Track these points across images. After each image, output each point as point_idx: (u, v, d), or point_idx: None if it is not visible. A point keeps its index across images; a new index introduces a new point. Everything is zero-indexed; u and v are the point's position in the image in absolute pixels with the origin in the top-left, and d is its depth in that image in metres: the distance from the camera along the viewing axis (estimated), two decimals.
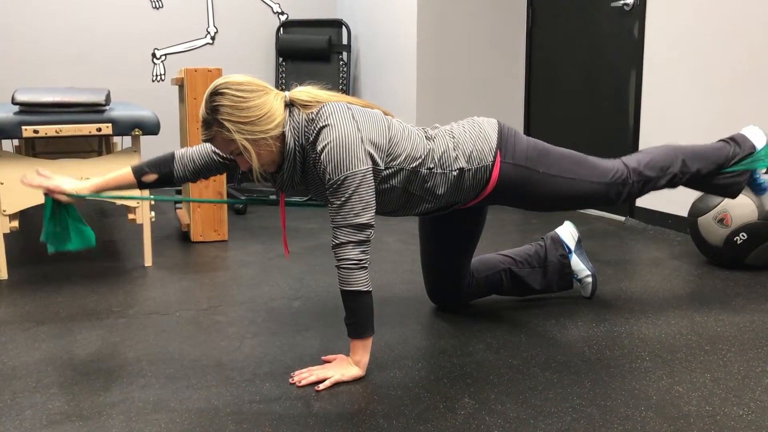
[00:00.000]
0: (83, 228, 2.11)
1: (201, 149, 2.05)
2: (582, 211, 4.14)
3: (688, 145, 2.18)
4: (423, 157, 1.94)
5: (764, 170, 2.13)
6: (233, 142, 1.80)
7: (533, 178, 2.04)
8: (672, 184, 2.19)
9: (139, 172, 2.06)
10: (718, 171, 2.19)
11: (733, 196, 2.25)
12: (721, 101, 3.24)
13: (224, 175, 3.35)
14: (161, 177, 2.06)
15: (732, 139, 2.21)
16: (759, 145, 2.19)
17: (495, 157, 2.00)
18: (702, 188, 2.28)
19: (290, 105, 1.86)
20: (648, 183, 2.14)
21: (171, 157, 2.06)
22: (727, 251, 2.78)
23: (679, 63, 3.44)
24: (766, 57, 3.02)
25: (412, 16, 4.41)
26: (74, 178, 2.11)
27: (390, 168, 1.90)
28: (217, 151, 2.03)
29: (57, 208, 2.06)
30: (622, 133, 3.87)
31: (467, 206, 2.11)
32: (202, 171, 2.06)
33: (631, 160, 2.16)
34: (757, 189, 2.21)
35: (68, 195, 2.04)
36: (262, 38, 5.26)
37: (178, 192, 4.29)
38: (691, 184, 2.23)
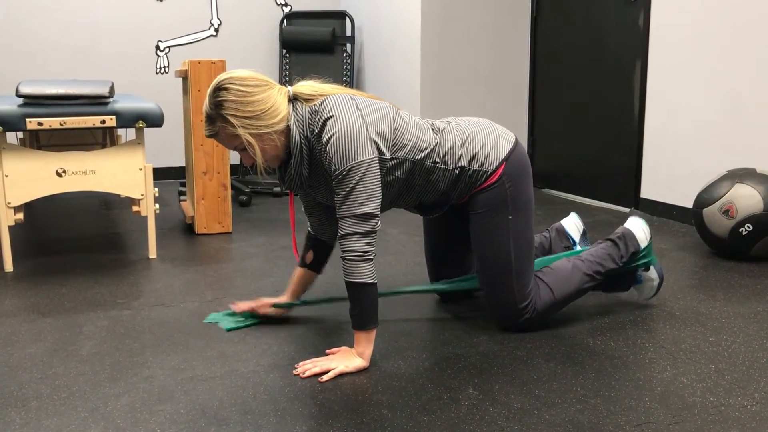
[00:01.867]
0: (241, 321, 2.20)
1: (308, 212, 2.10)
2: (586, 202, 4.13)
3: (586, 264, 2.12)
4: (429, 149, 1.94)
5: (644, 268, 2.21)
6: (237, 137, 1.80)
7: (501, 214, 1.99)
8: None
9: (302, 263, 2.15)
10: (611, 272, 2.16)
11: (624, 290, 2.26)
12: (726, 91, 3.23)
13: (228, 167, 3.35)
14: (318, 250, 2.13)
15: (621, 238, 2.18)
16: (643, 244, 2.18)
17: (498, 168, 1.99)
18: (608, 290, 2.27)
19: (293, 99, 1.86)
20: (547, 314, 2.07)
21: (309, 234, 2.14)
22: (732, 242, 2.77)
23: (684, 53, 3.42)
24: None
25: (415, 7, 4.40)
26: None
27: (395, 158, 1.89)
28: (313, 202, 2.07)
29: (251, 319, 2.18)
30: (627, 123, 3.86)
31: (458, 204, 2.10)
32: (324, 216, 2.09)
33: (538, 293, 2.06)
34: (634, 280, 2.24)
35: (276, 306, 2.15)
36: (266, 30, 5.25)
37: (182, 184, 4.30)
38: (599, 289, 2.22)
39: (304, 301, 2.19)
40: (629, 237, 2.19)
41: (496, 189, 1.99)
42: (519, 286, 2.00)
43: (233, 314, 2.20)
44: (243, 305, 2.17)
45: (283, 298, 2.17)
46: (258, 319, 2.16)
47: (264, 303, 2.15)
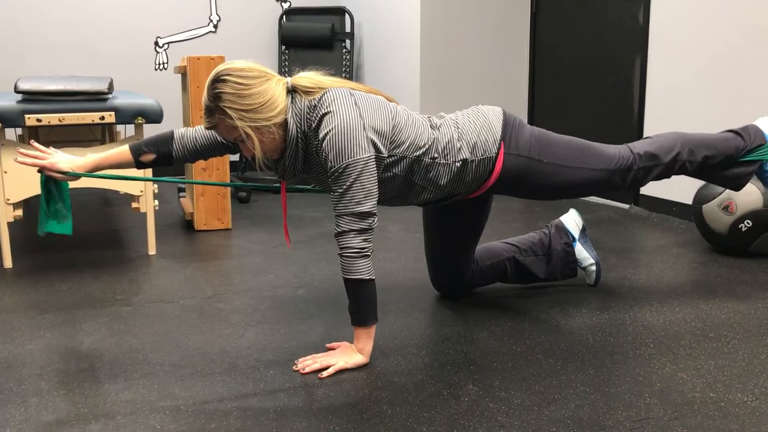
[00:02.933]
0: (66, 213, 2.06)
1: (203, 131, 2.03)
2: (586, 199, 4.13)
3: (698, 133, 2.15)
4: (427, 146, 1.93)
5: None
6: (236, 129, 1.80)
7: (537, 169, 2.03)
8: (678, 172, 2.17)
9: (137, 151, 2.03)
10: (726, 162, 2.15)
11: (738, 188, 2.22)
12: (726, 87, 3.22)
13: (228, 164, 3.35)
14: (159, 157, 2.04)
15: (743, 129, 2.16)
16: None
17: (499, 149, 1.99)
18: (708, 178, 2.25)
19: (292, 91, 1.85)
20: (653, 170, 2.13)
21: (170, 137, 2.04)
22: (731, 238, 2.77)
23: (683, 49, 3.41)
24: None
25: (415, 3, 4.39)
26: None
27: (393, 156, 1.89)
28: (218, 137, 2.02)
29: (54, 186, 2.03)
30: (627, 119, 3.86)
31: (470, 197, 2.10)
32: (203, 152, 2.03)
33: (636, 146, 2.15)
34: (766, 181, 2.18)
35: (64, 173, 2.02)
36: (265, 26, 5.24)
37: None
38: (697, 173, 2.21)
39: (96, 174, 2.04)
40: (754, 130, 2.14)
41: (512, 163, 2.00)
42: (603, 165, 2.06)
43: (50, 212, 2.03)
44: (30, 160, 1.98)
45: (80, 164, 2.02)
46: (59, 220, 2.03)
47: (56, 166, 1.99)
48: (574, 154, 2.07)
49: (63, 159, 2.03)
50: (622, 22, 3.84)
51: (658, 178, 2.15)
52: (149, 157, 2.03)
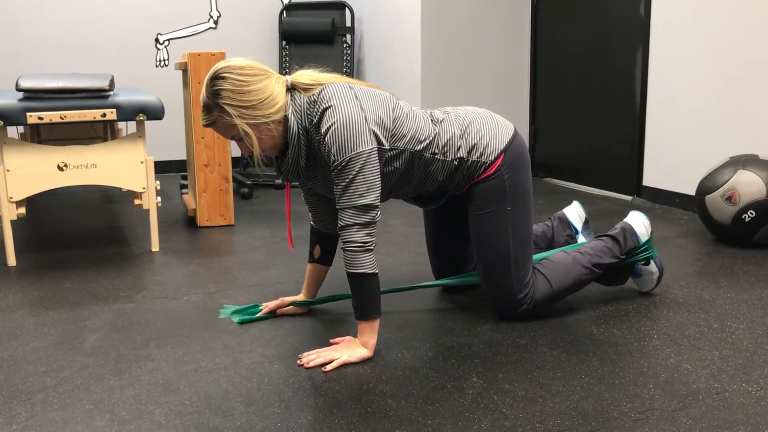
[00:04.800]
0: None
1: (308, 203, 2.09)
2: (588, 191, 4.12)
3: (586, 258, 2.12)
4: (428, 140, 1.93)
5: (644, 262, 2.21)
6: (234, 126, 1.79)
7: (499, 205, 1.98)
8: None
9: (311, 258, 2.13)
10: (607, 270, 2.17)
11: (621, 283, 2.25)
12: (728, 78, 3.21)
13: (230, 161, 3.35)
14: (323, 244, 2.11)
15: (620, 233, 2.18)
16: (643, 238, 2.18)
17: (496, 159, 1.98)
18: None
19: (292, 89, 1.85)
20: (543, 305, 2.06)
21: (314, 228, 2.12)
22: (735, 229, 2.76)
23: (685, 41, 3.40)
24: None
25: None
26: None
27: (394, 149, 1.88)
28: (311, 193, 2.06)
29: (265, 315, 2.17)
30: (629, 110, 3.85)
31: (456, 195, 2.09)
32: (329, 217, 2.08)
33: (535, 282, 2.05)
34: (634, 274, 2.25)
35: (296, 304, 2.15)
36: (266, 22, 5.24)
37: (183, 177, 4.29)
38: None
39: (321, 299, 2.19)
40: (629, 232, 2.18)
41: (494, 180, 1.98)
42: (517, 276, 2.00)
43: (248, 308, 2.19)
44: (270, 305, 2.15)
45: (301, 297, 2.17)
46: (271, 314, 2.17)
47: (285, 302, 2.15)
48: (524, 238, 2.00)
49: (289, 298, 2.17)
50: (623, 15, 3.83)
51: (535, 311, 2.08)
52: (318, 250, 2.12)
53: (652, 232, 2.22)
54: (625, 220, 2.23)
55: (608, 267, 2.14)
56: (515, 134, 2.03)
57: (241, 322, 2.10)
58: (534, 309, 2.03)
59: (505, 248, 1.98)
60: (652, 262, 2.21)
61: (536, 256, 2.13)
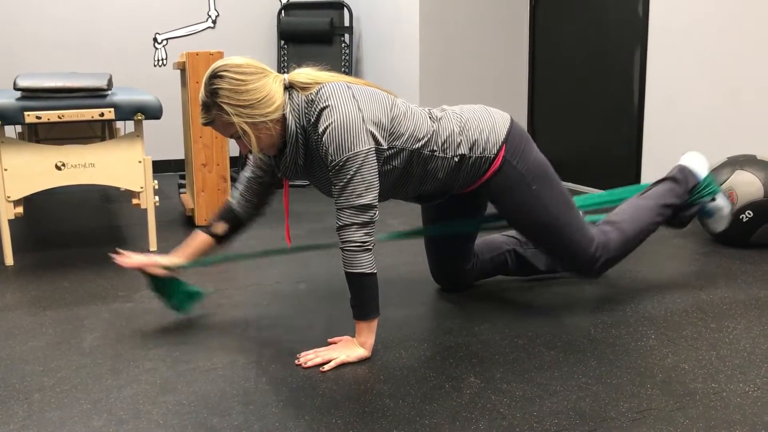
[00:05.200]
0: (188, 288, 2.14)
1: (242, 184, 2.05)
2: (587, 190, 4.12)
3: (650, 203, 2.15)
4: (426, 138, 1.93)
5: (710, 199, 2.20)
6: (232, 125, 1.79)
7: (523, 190, 2.00)
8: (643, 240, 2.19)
9: (208, 230, 2.08)
10: (675, 211, 2.19)
11: (683, 227, 2.28)
12: (726, 78, 3.22)
13: (228, 160, 3.35)
14: (230, 224, 2.07)
15: (679, 173, 2.20)
16: (702, 174, 2.19)
17: (499, 151, 1.98)
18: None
19: (289, 87, 1.85)
20: (618, 259, 2.13)
21: (228, 203, 2.07)
22: (732, 229, 2.77)
23: (683, 40, 3.41)
24: None
25: None
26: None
27: (393, 148, 1.88)
28: (253, 173, 2.03)
29: (161, 283, 2.10)
30: (627, 110, 3.85)
31: (461, 193, 2.09)
32: (258, 200, 2.05)
33: (603, 239, 2.10)
34: (704, 215, 2.25)
35: (166, 268, 2.08)
36: (264, 21, 5.23)
37: (182, 177, 4.29)
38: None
39: (197, 262, 2.11)
40: (688, 171, 2.18)
41: (505, 170, 1.99)
42: (579, 237, 2.04)
43: (162, 292, 2.11)
44: (130, 262, 2.05)
45: (174, 260, 2.08)
46: (184, 307, 2.11)
47: (154, 263, 2.06)
48: (562, 207, 2.03)
49: (159, 258, 2.09)
50: (622, 15, 3.83)
51: (619, 260, 2.15)
52: (221, 226, 2.07)
53: (710, 169, 2.19)
54: (680, 161, 2.23)
55: (675, 208, 2.15)
56: (512, 122, 2.05)
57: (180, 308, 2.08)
58: (613, 259, 2.08)
59: (551, 222, 2.02)
60: (719, 197, 2.18)
61: (593, 218, 2.17)
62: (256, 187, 2.04)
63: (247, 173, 2.04)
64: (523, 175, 2.00)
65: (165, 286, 2.11)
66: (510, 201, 2.02)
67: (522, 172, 2.00)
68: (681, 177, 2.16)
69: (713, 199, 2.19)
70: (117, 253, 2.10)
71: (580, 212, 2.08)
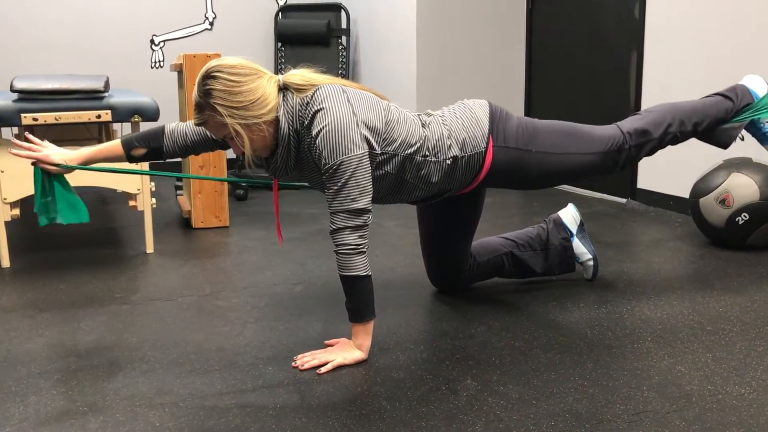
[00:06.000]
0: (75, 201, 2.07)
1: (192, 125, 2.02)
2: (583, 193, 4.13)
3: (686, 102, 2.12)
4: (418, 144, 1.92)
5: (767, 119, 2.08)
6: (225, 126, 1.78)
7: (526, 159, 2.02)
8: (669, 143, 2.16)
9: (128, 145, 2.03)
10: (717, 124, 2.13)
11: (726, 146, 2.21)
12: (723, 80, 3.22)
13: (225, 161, 3.34)
14: (150, 151, 2.04)
15: (731, 90, 2.15)
16: (760, 93, 2.12)
17: (488, 143, 1.99)
18: (696, 137, 2.24)
19: (284, 89, 1.84)
20: (644, 146, 2.11)
21: (161, 132, 2.03)
22: (728, 232, 2.77)
23: (680, 42, 3.42)
24: (766, 36, 3.00)
25: None
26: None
27: (385, 153, 1.88)
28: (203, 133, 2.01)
29: (47, 180, 2.02)
30: (624, 112, 3.85)
31: (461, 193, 2.10)
32: (193, 147, 2.03)
33: (626, 124, 2.13)
34: (762, 138, 2.15)
35: (57, 166, 2.01)
36: (261, 23, 5.24)
37: (178, 179, 4.29)
38: (686, 139, 2.19)
39: (91, 168, 2.07)
40: (741, 90, 2.12)
41: (501, 156, 2.00)
42: (596, 146, 2.05)
43: (43, 192, 2.01)
44: (23, 153, 1.98)
45: (75, 157, 2.02)
46: (66, 215, 2.03)
47: (48, 158, 1.99)
48: (563, 140, 2.06)
49: (56, 152, 2.03)
50: (618, 16, 3.84)
51: (651, 153, 2.14)
52: (140, 151, 2.03)
53: None
54: (739, 82, 2.20)
55: (715, 120, 2.09)
56: (491, 108, 2.05)
57: (40, 214, 2.00)
58: (637, 148, 2.07)
59: (565, 160, 2.04)
60: None
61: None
62: (199, 138, 2.02)
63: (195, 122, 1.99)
64: (518, 149, 2.01)
65: (51, 185, 2.02)
66: (520, 175, 2.04)
67: (514, 147, 2.01)
68: (732, 93, 2.09)
69: None
70: (22, 142, 2.02)
71: (589, 129, 2.07)
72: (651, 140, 2.11)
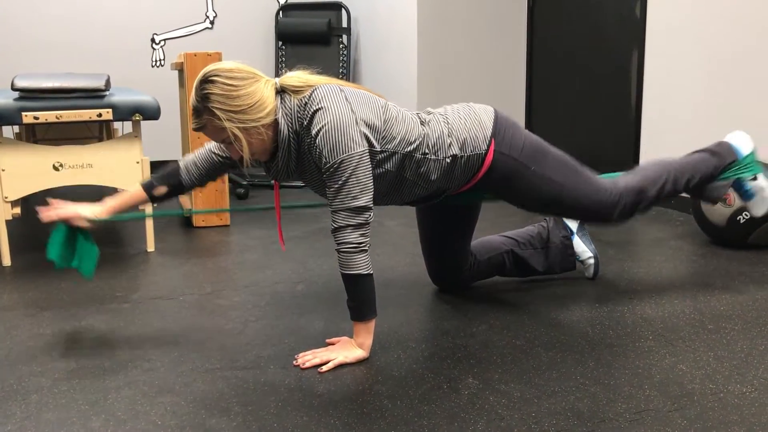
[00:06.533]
0: (94, 252, 2.12)
1: (201, 153, 2.05)
2: None
3: (678, 160, 2.15)
4: (418, 141, 1.92)
5: (751, 177, 2.14)
6: (224, 130, 1.78)
7: (523, 174, 2.01)
8: (663, 200, 2.18)
9: (149, 187, 2.06)
10: (706, 182, 2.18)
11: (715, 203, 2.29)
12: (724, 80, 3.22)
13: None
14: (171, 188, 2.06)
15: (717, 146, 2.19)
16: (744, 152, 2.17)
17: (489, 146, 1.99)
18: (687, 193, 2.28)
19: (281, 91, 1.84)
20: (640, 203, 2.11)
21: (177, 168, 2.06)
22: (729, 231, 2.77)
23: (680, 43, 3.41)
24: (767, 36, 3.01)
25: None
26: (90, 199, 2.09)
27: (385, 151, 1.88)
28: (216, 150, 2.03)
29: (72, 234, 2.07)
30: (625, 112, 3.86)
31: (458, 192, 2.10)
32: (207, 174, 2.05)
33: (621, 181, 2.12)
34: (744, 195, 2.21)
35: (89, 221, 2.05)
36: (262, 22, 5.24)
37: None
38: (677, 195, 2.23)
39: (121, 218, 2.12)
40: (726, 148, 2.14)
41: (499, 162, 1.99)
42: (591, 192, 2.04)
43: (66, 247, 2.06)
44: (53, 213, 2.02)
45: (101, 211, 2.06)
46: (87, 268, 2.07)
47: (78, 215, 2.03)
48: (565, 172, 2.04)
49: (82, 208, 2.07)
50: (619, 16, 3.84)
51: (645, 210, 2.14)
52: (162, 190, 2.06)
53: (755, 148, 2.15)
54: (725, 138, 2.22)
55: (703, 177, 2.12)
56: (496, 114, 2.05)
57: (53, 261, 2.02)
58: (633, 203, 2.07)
59: (560, 191, 2.03)
60: (761, 177, 2.14)
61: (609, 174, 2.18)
62: (213, 162, 2.03)
63: (211, 145, 2.04)
64: (518, 161, 2.00)
65: (75, 239, 2.06)
66: (513, 188, 2.03)
67: (516, 158, 2.00)
68: (718, 150, 2.12)
69: (754, 178, 2.12)
70: (46, 207, 2.04)
71: (588, 173, 2.07)
72: (645, 198, 2.11)
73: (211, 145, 2.03)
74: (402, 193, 2.01)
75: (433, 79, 4.47)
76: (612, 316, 2.11)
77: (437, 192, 2.05)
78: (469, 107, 2.05)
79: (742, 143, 2.17)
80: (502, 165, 2.00)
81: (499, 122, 2.02)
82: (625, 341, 1.92)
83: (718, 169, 2.13)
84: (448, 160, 1.96)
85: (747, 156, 2.15)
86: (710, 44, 3.27)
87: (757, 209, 2.18)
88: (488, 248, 2.33)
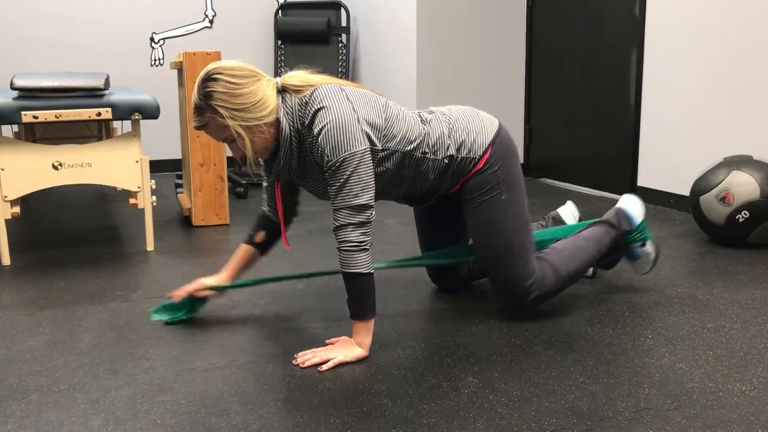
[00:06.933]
0: (201, 303, 2.18)
1: (267, 191, 2.08)
2: (582, 191, 4.13)
3: (588, 242, 2.17)
4: (418, 140, 1.93)
5: (640, 244, 2.27)
6: (227, 128, 1.79)
7: (493, 194, 1.99)
8: (573, 282, 2.17)
9: (250, 241, 2.10)
10: (609, 253, 2.26)
11: (608, 268, 2.38)
12: (723, 79, 3.23)
13: (225, 160, 3.35)
14: (269, 233, 2.10)
15: (614, 217, 2.24)
16: (637, 220, 2.25)
17: (484, 154, 1.99)
18: (593, 266, 2.35)
19: (282, 91, 1.85)
20: (550, 294, 2.08)
21: (262, 212, 2.11)
22: (729, 230, 2.78)
23: (680, 41, 3.42)
24: (767, 35, 3.01)
25: None
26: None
27: (386, 150, 1.89)
28: (270, 179, 2.03)
29: (189, 301, 2.13)
30: (624, 111, 3.86)
31: (449, 193, 2.10)
32: (283, 203, 2.06)
33: (543, 275, 2.06)
34: (631, 256, 2.30)
35: (213, 288, 2.10)
36: (261, 21, 5.23)
37: (179, 176, 4.29)
38: (588, 270, 2.30)
39: (242, 283, 2.16)
40: (623, 216, 2.24)
41: (484, 173, 2.00)
42: (522, 263, 2.01)
43: (173, 305, 2.13)
44: (180, 291, 2.12)
45: (221, 278, 2.12)
46: (194, 311, 2.14)
47: (201, 285, 2.10)
48: (521, 222, 2.01)
49: (207, 279, 2.12)
50: (618, 14, 3.84)
51: (559, 291, 2.11)
52: (260, 236, 2.10)
53: (645, 214, 2.28)
54: (618, 204, 2.30)
55: (608, 249, 2.21)
56: (500, 127, 2.05)
57: (169, 323, 2.10)
58: (544, 296, 2.05)
59: (506, 236, 2.00)
60: (648, 243, 2.26)
61: (537, 233, 2.19)
62: (280, 193, 2.05)
63: (265, 183, 2.08)
64: (499, 181, 2.00)
65: (193, 304, 2.15)
66: (479, 203, 2.00)
67: (499, 177, 2.00)
68: (616, 222, 2.22)
69: (643, 245, 2.26)
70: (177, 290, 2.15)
71: (533, 241, 2.07)
72: (556, 288, 2.08)
73: (266, 183, 2.07)
74: (399, 190, 2.01)
75: (432, 78, 4.47)
76: (611, 314, 2.11)
77: (430, 191, 2.05)
78: (475, 111, 2.06)
79: (635, 211, 2.26)
80: (485, 175, 1.99)
81: (501, 137, 2.03)
82: (625, 340, 1.92)
83: (616, 241, 2.22)
84: (445, 161, 1.97)
85: (640, 224, 2.25)
86: (710, 43, 3.27)
87: (642, 268, 2.31)
88: None
